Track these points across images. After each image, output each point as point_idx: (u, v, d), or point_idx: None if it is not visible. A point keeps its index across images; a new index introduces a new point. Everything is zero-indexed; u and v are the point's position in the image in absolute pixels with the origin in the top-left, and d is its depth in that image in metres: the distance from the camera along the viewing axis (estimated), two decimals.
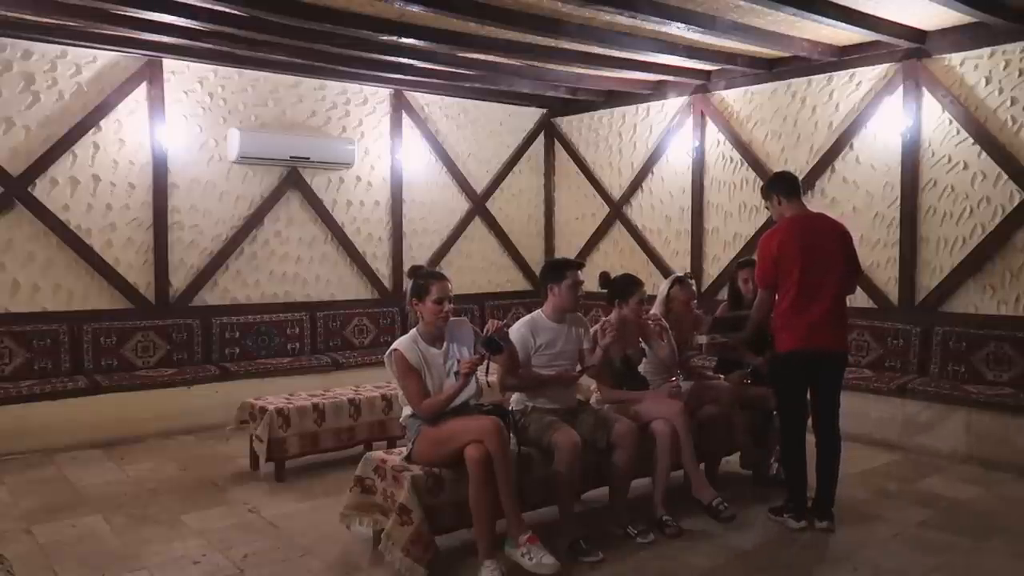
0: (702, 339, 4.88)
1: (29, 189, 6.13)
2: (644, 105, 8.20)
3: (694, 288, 4.91)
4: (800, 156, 6.92)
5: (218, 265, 7.01)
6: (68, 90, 6.25)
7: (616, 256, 8.41)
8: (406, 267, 7.94)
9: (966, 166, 5.95)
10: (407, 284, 3.94)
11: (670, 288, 4.86)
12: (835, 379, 4.33)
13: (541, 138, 9.22)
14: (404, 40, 5.91)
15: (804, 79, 6.85)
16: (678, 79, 7.46)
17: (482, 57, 6.78)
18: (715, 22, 5.50)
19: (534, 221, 9.28)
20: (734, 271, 5.28)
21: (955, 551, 3.96)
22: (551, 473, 3.88)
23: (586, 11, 5.36)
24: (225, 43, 6.07)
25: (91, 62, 6.33)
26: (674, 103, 7.90)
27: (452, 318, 3.87)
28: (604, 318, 4.55)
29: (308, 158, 7.27)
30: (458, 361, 3.77)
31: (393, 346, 3.80)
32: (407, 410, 3.85)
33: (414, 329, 3.85)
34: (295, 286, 7.49)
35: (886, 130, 6.36)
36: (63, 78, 6.22)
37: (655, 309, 4.73)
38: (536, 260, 9.17)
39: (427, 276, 3.84)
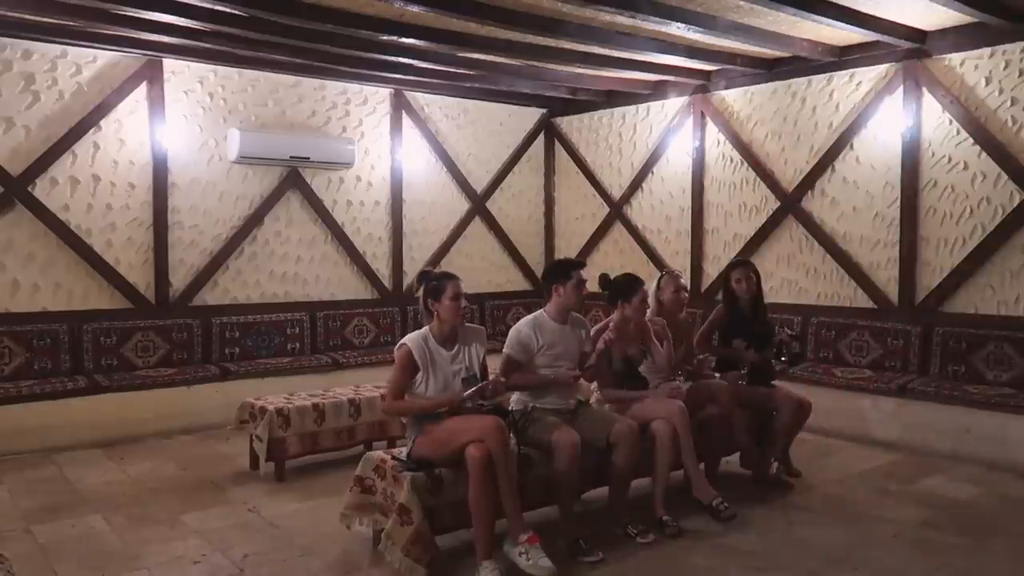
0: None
1: (29, 189, 6.13)
2: (644, 105, 8.19)
3: (682, 280, 4.92)
4: (800, 156, 6.93)
5: (218, 265, 7.01)
6: (68, 90, 6.25)
7: (616, 256, 8.41)
8: (406, 267, 8.10)
9: (966, 166, 5.95)
10: (417, 288, 3.98)
11: (659, 281, 4.87)
12: None
13: (541, 138, 9.22)
14: (404, 40, 5.91)
15: (804, 79, 6.85)
16: (678, 79, 7.46)
17: (482, 57, 6.78)
18: (715, 22, 5.50)
19: (534, 221, 9.28)
20: (726, 272, 5.29)
21: (955, 551, 3.96)
22: (551, 473, 3.88)
23: (586, 11, 5.36)
24: (225, 43, 6.07)
25: (91, 62, 6.33)
26: (674, 103, 7.90)
27: (468, 325, 3.93)
28: (605, 320, 4.55)
29: (308, 158, 7.27)
30: (466, 368, 3.82)
31: (403, 340, 3.84)
32: None
33: (426, 327, 3.87)
34: (295, 286, 7.49)
35: (886, 130, 6.35)
36: (63, 78, 6.22)
37: (649, 309, 4.71)
38: (536, 260, 9.18)
39: (440, 276, 3.87)
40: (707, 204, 7.66)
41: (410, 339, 3.82)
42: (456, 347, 3.85)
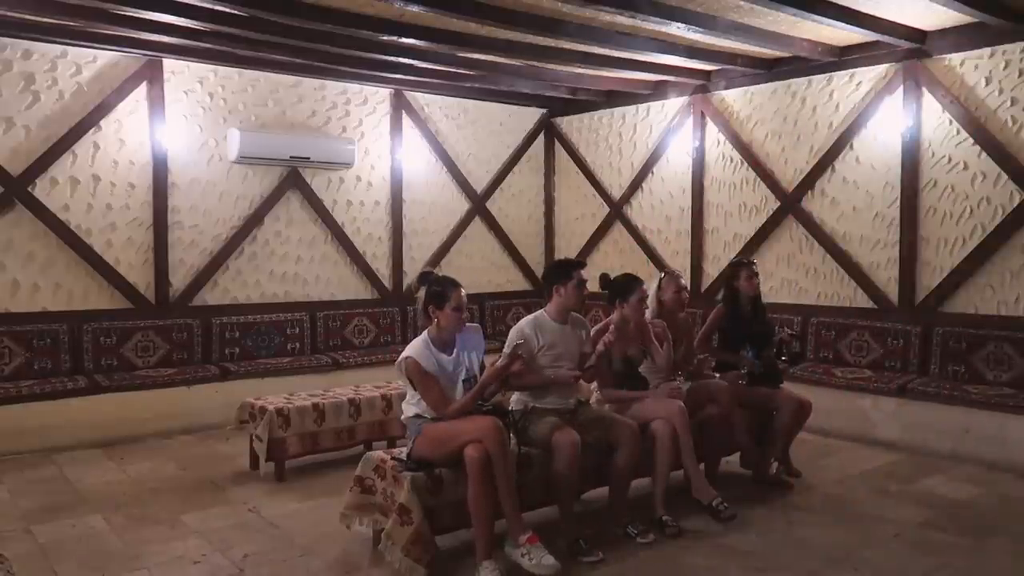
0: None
1: (29, 189, 6.13)
2: (644, 105, 8.19)
3: (683, 281, 4.91)
4: (800, 156, 6.92)
5: (218, 265, 7.01)
6: (68, 90, 6.25)
7: (616, 256, 8.41)
8: (406, 267, 8.10)
9: (966, 166, 5.95)
10: (417, 288, 3.94)
11: (660, 281, 4.86)
12: None
13: (541, 138, 9.22)
14: (404, 40, 5.91)
15: (804, 79, 6.85)
16: (678, 79, 7.46)
17: (482, 57, 6.78)
18: (715, 22, 5.50)
19: (534, 221, 9.28)
20: (733, 271, 5.26)
21: (955, 551, 3.96)
22: (551, 473, 3.87)
23: (586, 11, 5.36)
24: (225, 43, 6.07)
25: (91, 62, 6.33)
26: (674, 103, 7.90)
27: (466, 324, 3.89)
28: (605, 320, 4.55)
29: (308, 158, 7.27)
30: (466, 370, 3.81)
31: (405, 353, 3.76)
32: (408, 410, 3.85)
33: (424, 334, 3.84)
34: (295, 286, 7.49)
35: (886, 130, 6.35)
36: (63, 78, 6.22)
37: (648, 308, 4.69)
38: (536, 260, 9.18)
39: (444, 283, 3.82)
40: (707, 204, 7.66)
41: (414, 351, 3.74)
42: (456, 351, 3.84)
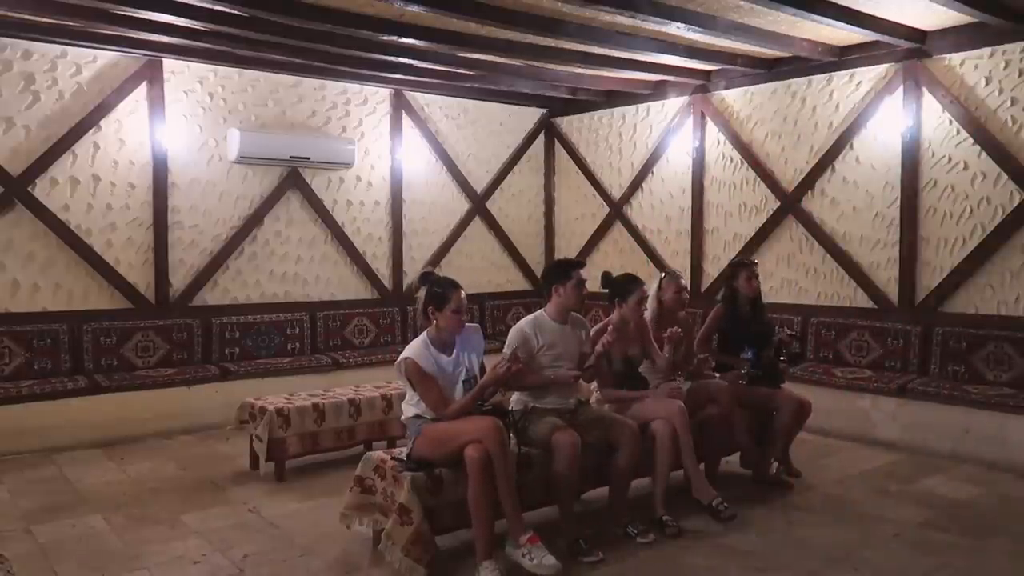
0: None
1: (29, 189, 6.13)
2: (644, 105, 8.19)
3: (683, 281, 4.91)
4: (800, 156, 6.92)
5: (218, 265, 7.01)
6: (68, 90, 6.25)
7: (616, 256, 8.41)
8: (406, 267, 8.10)
9: (966, 166, 5.95)
10: (417, 288, 3.94)
11: (660, 282, 4.85)
12: None
13: (541, 138, 9.22)
14: (404, 40, 5.91)
15: (804, 79, 6.85)
16: (678, 79, 7.46)
17: (482, 57, 6.78)
18: (715, 22, 5.50)
19: (534, 221, 9.28)
20: (733, 271, 5.25)
21: (955, 551, 3.96)
22: (551, 473, 3.87)
23: (586, 11, 5.36)
24: (225, 43, 6.07)
25: (91, 62, 6.33)
26: (674, 103, 7.90)
27: (465, 324, 3.89)
28: (605, 320, 4.55)
29: (308, 158, 7.27)
30: (466, 370, 3.81)
31: (404, 354, 3.76)
32: (408, 410, 3.85)
33: (423, 334, 3.83)
34: (295, 286, 7.49)
35: (886, 130, 6.35)
36: (63, 78, 6.22)
37: (648, 309, 4.69)
38: (536, 260, 9.18)
39: (445, 285, 3.81)
40: (707, 204, 7.66)
41: (413, 352, 3.74)
42: (455, 351, 3.84)
